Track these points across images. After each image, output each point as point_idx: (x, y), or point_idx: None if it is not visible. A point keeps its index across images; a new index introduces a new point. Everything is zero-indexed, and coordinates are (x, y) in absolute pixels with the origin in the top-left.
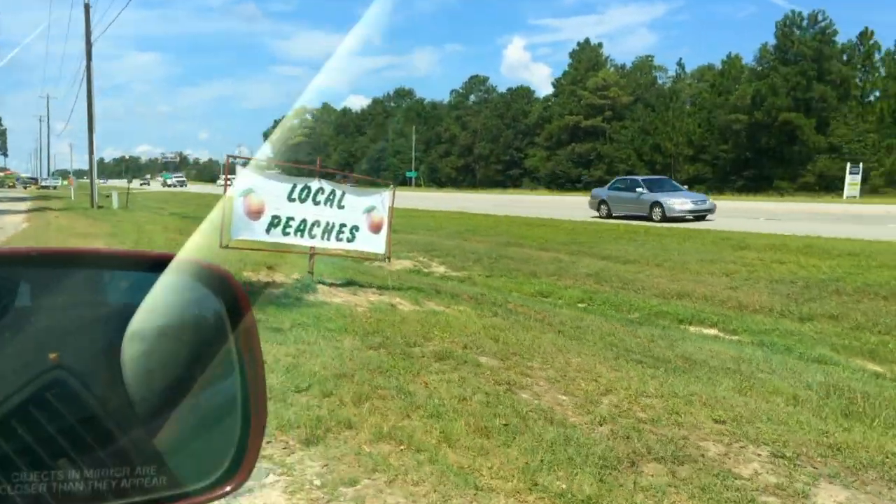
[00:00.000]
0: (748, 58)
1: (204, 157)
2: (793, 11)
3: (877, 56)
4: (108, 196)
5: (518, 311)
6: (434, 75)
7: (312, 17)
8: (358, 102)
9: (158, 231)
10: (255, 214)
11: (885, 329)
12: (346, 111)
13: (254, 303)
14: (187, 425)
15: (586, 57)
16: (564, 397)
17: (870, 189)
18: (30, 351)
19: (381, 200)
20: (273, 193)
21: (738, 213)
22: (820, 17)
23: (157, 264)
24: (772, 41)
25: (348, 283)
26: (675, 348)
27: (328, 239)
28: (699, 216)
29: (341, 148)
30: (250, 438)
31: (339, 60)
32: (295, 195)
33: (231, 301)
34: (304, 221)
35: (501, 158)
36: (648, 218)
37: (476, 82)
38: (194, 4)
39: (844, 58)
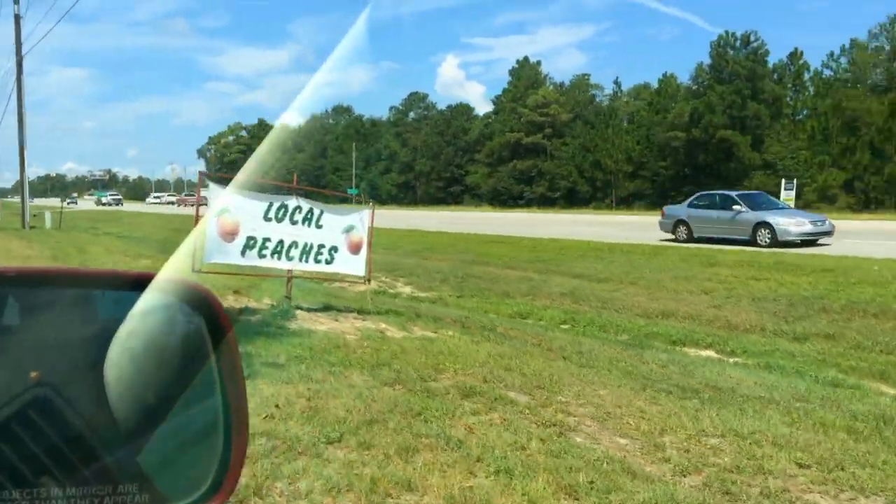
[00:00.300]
0: (681, 77)
1: (133, 175)
2: (727, 32)
3: (806, 76)
4: (35, 215)
5: (511, 336)
6: (371, 92)
7: (244, 33)
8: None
9: (102, 253)
10: (230, 236)
11: (886, 349)
12: (283, 128)
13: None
14: (170, 443)
15: (525, 75)
16: (623, 440)
17: (803, 204)
18: (12, 369)
19: (361, 219)
20: (248, 213)
21: None
22: (752, 38)
23: (139, 283)
24: (704, 61)
25: (326, 308)
26: (692, 375)
27: (306, 261)
28: (811, 241)
29: (279, 165)
30: (232, 456)
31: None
32: (272, 214)
33: (212, 319)
34: (280, 242)
35: (442, 175)
36: (751, 242)
37: (415, 99)
38: (122, 19)
39: (776, 77)
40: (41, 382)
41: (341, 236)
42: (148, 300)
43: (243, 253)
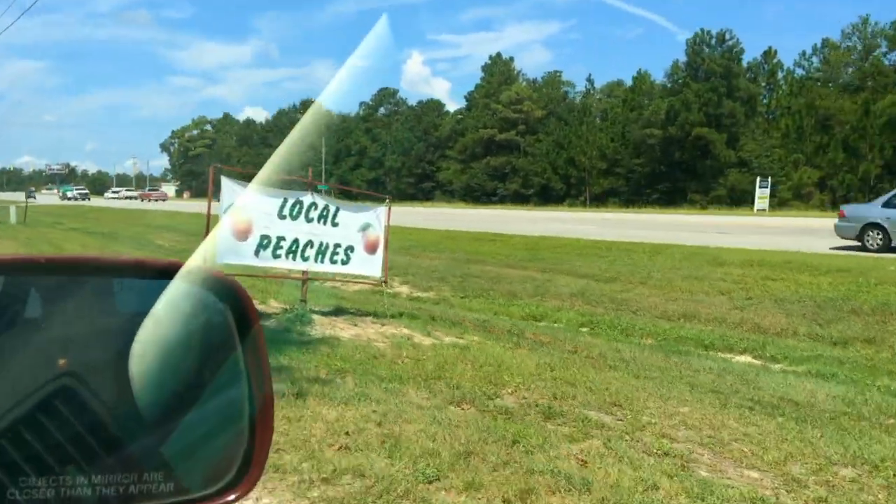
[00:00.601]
0: (653, 75)
1: (92, 169)
2: (702, 30)
3: (780, 74)
4: None
5: (543, 342)
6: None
7: (207, 26)
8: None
9: (80, 250)
10: (243, 234)
11: None
12: (249, 122)
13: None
14: (195, 433)
15: (498, 71)
16: (753, 473)
17: (778, 202)
18: (38, 358)
19: (377, 217)
20: (262, 210)
21: (679, 227)
22: (728, 36)
23: (165, 272)
24: (679, 58)
25: (338, 311)
26: (758, 386)
27: (322, 261)
28: None
29: (245, 160)
30: (256, 447)
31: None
32: (286, 211)
33: (238, 310)
34: (295, 242)
35: (413, 171)
36: None
37: (385, 95)
38: (82, 10)
39: (750, 76)
40: (68, 371)
41: (357, 235)
42: (174, 289)
43: (257, 253)
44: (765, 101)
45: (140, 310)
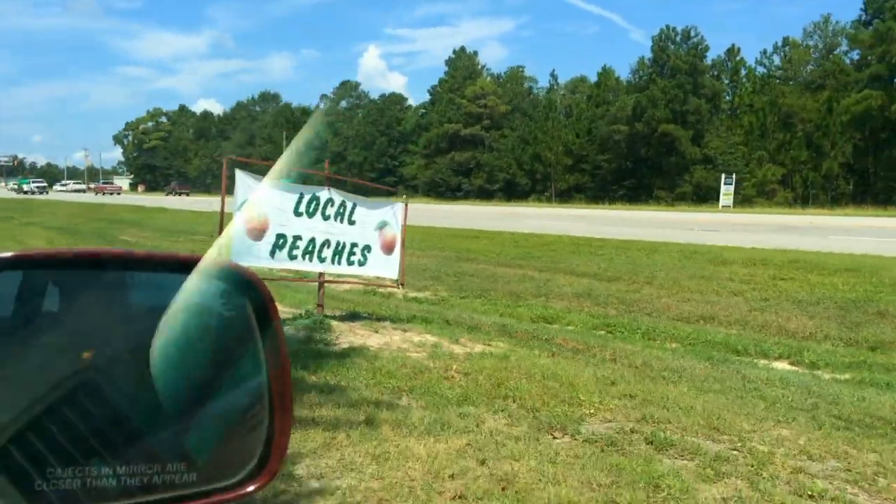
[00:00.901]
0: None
1: (41, 161)
2: (667, 26)
3: (743, 72)
4: None
5: (578, 349)
6: (291, 81)
7: (159, 16)
8: (209, 107)
9: (45, 246)
10: (258, 233)
11: None
12: (206, 115)
13: None
14: (215, 424)
15: (462, 65)
16: None
17: (742, 199)
18: (60, 351)
19: (394, 214)
20: (277, 206)
21: (659, 224)
22: (693, 33)
23: (185, 266)
24: (642, 55)
25: (352, 315)
26: (831, 400)
27: (339, 262)
28: None
29: (202, 153)
30: (276, 439)
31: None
32: (302, 208)
33: (258, 302)
34: (312, 241)
35: (376, 166)
36: None
37: (347, 88)
38: None
39: (714, 73)
40: (90, 364)
41: (374, 233)
42: (195, 283)
43: (273, 254)
44: (728, 98)
45: (160, 303)
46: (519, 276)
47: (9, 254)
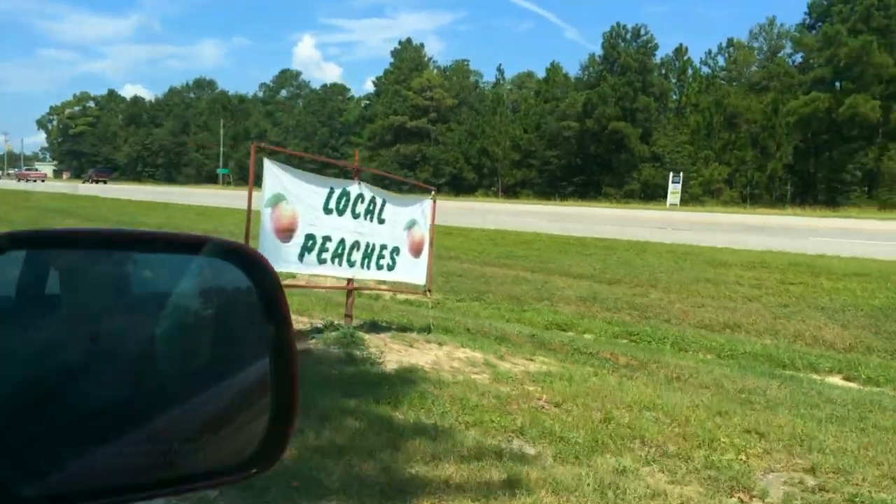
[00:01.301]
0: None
1: None
2: (618, 24)
3: (690, 72)
4: None
5: (632, 365)
6: (222, 68)
7: None
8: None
9: None
10: (286, 233)
11: None
12: (137, 100)
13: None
14: (220, 406)
15: (409, 57)
16: None
17: (689, 197)
18: (68, 331)
19: (423, 212)
20: (306, 202)
21: (627, 222)
22: (643, 32)
23: (192, 246)
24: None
25: (373, 326)
26: None
27: (367, 266)
28: None
29: (133, 140)
30: (281, 421)
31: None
32: (332, 204)
33: (265, 283)
34: (341, 243)
35: (317, 157)
36: None
37: (287, 77)
38: None
39: (663, 72)
40: (99, 344)
41: (403, 234)
42: (201, 263)
43: (301, 257)
44: (675, 97)
45: (166, 284)
46: (512, 278)
47: (7, 232)
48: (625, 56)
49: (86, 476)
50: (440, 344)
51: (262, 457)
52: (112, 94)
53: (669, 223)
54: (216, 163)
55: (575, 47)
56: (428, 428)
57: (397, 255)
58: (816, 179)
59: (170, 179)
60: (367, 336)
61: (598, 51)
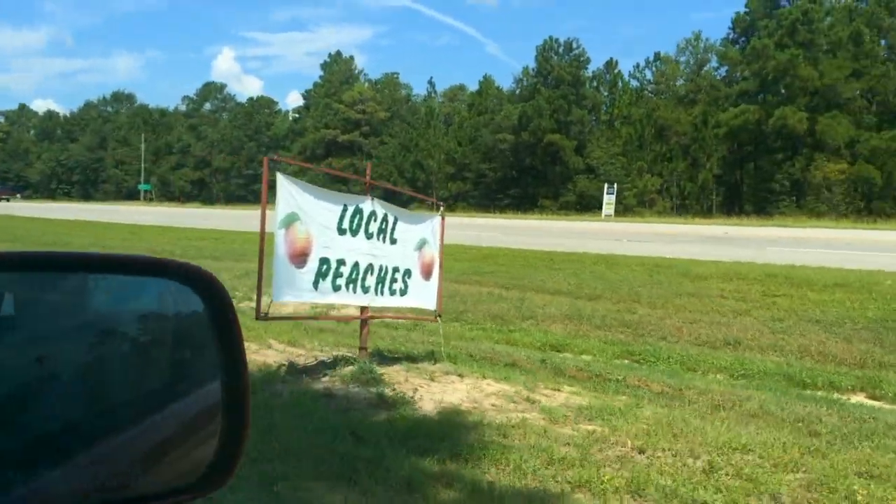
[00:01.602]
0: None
1: None
2: (550, 38)
3: (619, 85)
4: None
5: (668, 394)
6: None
7: None
8: (48, 107)
9: None
10: (300, 258)
11: None
12: (51, 114)
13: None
14: (172, 427)
15: (339, 69)
16: None
17: (623, 208)
18: (14, 355)
19: (432, 230)
20: (320, 222)
21: (577, 234)
22: (574, 45)
23: (143, 268)
24: (526, 64)
25: (381, 356)
26: None
27: (381, 292)
28: None
29: (46, 156)
30: (233, 441)
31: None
32: (346, 224)
33: (216, 304)
34: (355, 267)
35: (244, 172)
36: None
37: (211, 89)
38: None
39: (594, 84)
40: (45, 368)
41: (414, 254)
42: (152, 285)
43: (316, 284)
44: (606, 109)
45: (116, 306)
46: (486, 295)
47: None
48: (558, 69)
49: (35, 500)
50: (460, 375)
51: (216, 475)
52: (23, 109)
53: (624, 234)
54: (137, 178)
55: (495, 61)
56: (537, 495)
57: (409, 277)
58: (743, 189)
59: (86, 196)
60: (383, 370)
61: (520, 65)
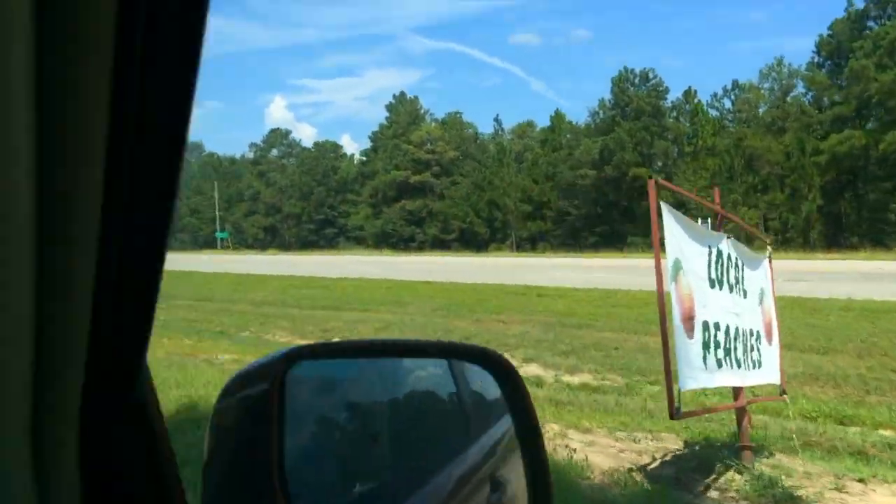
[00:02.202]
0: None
1: None
2: (625, 68)
3: (700, 115)
4: None
5: None
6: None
7: None
8: None
9: None
10: (689, 323)
11: None
12: None
13: None
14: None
15: (405, 110)
16: None
17: None
18: (360, 433)
19: (766, 275)
20: (695, 271)
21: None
22: (651, 75)
23: (466, 354)
24: (602, 97)
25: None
26: None
27: (748, 366)
28: None
29: None
30: None
31: None
32: (713, 272)
33: (507, 381)
34: (727, 332)
35: (315, 217)
36: None
37: (277, 136)
38: None
39: (674, 115)
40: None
41: (758, 310)
42: (459, 368)
43: (705, 360)
44: (689, 140)
45: (436, 387)
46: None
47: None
48: (636, 100)
49: None
50: (838, 478)
51: None
52: None
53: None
54: (211, 227)
55: (540, 98)
56: None
57: (759, 342)
58: (848, 220)
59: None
60: (786, 479)
61: (567, 101)
